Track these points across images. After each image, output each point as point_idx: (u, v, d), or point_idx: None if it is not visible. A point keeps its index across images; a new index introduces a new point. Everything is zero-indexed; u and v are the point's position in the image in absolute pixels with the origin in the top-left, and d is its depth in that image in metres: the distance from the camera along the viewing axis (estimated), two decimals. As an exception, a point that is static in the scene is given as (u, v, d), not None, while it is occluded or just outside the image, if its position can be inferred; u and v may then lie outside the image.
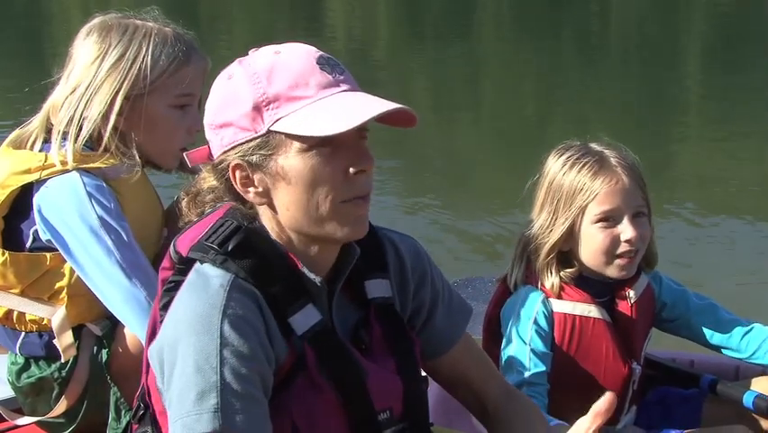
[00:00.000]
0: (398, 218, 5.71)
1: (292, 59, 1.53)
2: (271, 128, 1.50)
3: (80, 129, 2.18)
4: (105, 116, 2.18)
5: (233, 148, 1.54)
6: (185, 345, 1.46)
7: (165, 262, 1.64)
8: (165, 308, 1.56)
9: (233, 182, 1.56)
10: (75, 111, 2.18)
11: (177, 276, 1.58)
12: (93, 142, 2.21)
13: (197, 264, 1.56)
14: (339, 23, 19.34)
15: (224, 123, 1.55)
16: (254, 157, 1.52)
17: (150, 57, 2.17)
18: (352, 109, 1.49)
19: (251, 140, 1.52)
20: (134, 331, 2.15)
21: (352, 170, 1.52)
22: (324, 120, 1.47)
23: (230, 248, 1.54)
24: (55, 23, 17.76)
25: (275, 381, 1.52)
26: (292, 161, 1.51)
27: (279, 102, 1.50)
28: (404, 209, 6.03)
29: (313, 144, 1.50)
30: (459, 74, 12.39)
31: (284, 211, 1.55)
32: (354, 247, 1.64)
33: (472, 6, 19.61)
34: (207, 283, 1.51)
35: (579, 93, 10.77)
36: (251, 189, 1.55)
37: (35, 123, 2.27)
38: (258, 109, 1.51)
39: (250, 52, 1.60)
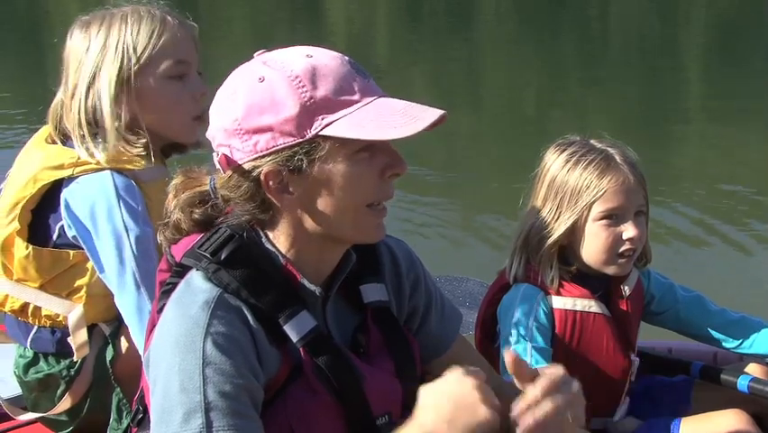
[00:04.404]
0: (396, 218, 5.71)
1: (329, 63, 1.49)
2: (321, 133, 1.46)
3: (97, 126, 2.17)
4: (109, 107, 2.16)
5: (269, 154, 1.48)
6: (169, 364, 1.45)
7: (162, 264, 1.64)
8: (161, 311, 1.54)
9: (266, 188, 1.50)
10: (81, 113, 2.17)
11: (174, 278, 1.57)
12: (103, 135, 2.18)
13: (189, 273, 1.54)
14: (339, 23, 19.35)
15: (260, 127, 1.47)
16: (297, 162, 1.47)
17: (129, 37, 2.16)
18: (405, 114, 1.48)
19: (293, 145, 1.47)
20: (134, 337, 2.14)
21: (388, 173, 1.52)
22: (382, 125, 1.46)
23: (222, 257, 1.52)
24: (55, 24, 17.75)
25: (271, 390, 1.51)
26: (339, 165, 1.48)
27: (328, 107, 1.46)
28: (402, 209, 6.02)
29: (358, 149, 1.48)
30: (458, 73, 12.40)
31: (317, 215, 1.52)
32: (351, 253, 1.64)
33: (472, 5, 19.61)
34: (193, 299, 1.49)
35: (578, 92, 10.78)
36: (286, 196, 1.51)
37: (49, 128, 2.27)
38: (305, 114, 1.46)
39: (257, 55, 1.55)
